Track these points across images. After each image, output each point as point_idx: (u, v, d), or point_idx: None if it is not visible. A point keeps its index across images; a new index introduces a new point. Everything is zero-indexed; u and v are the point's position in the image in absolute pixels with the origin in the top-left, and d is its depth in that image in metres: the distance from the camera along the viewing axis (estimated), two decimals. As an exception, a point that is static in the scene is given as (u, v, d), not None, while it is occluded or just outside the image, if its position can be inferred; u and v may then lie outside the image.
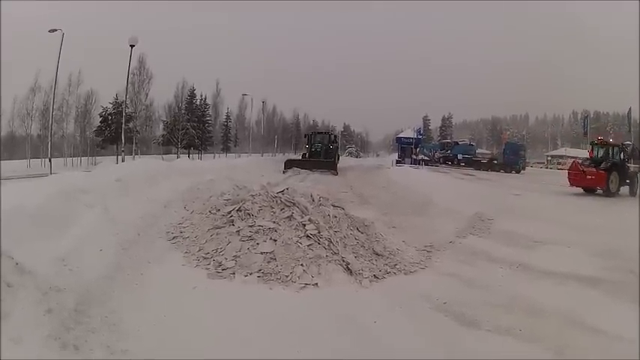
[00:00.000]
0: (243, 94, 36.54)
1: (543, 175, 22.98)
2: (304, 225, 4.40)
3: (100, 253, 3.73)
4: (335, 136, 24.82)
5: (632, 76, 26.73)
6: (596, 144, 13.78)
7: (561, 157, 35.25)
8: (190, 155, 31.15)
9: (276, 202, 4.80)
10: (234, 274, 3.83)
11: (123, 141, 21.30)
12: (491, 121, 44.98)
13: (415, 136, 27.35)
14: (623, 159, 13.18)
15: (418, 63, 54.55)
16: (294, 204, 4.72)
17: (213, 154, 34.33)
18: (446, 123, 43.63)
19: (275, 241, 4.17)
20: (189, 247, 4.38)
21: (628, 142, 15.54)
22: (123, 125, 21.80)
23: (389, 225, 6.19)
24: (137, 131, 29.77)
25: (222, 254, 4.11)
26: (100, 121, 29.83)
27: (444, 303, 3.51)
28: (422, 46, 55.41)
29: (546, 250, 5.26)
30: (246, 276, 3.80)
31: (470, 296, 3.68)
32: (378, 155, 43.36)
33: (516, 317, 3.26)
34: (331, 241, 4.28)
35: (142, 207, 5.32)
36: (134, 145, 28.47)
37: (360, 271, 4.02)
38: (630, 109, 21.16)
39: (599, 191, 12.46)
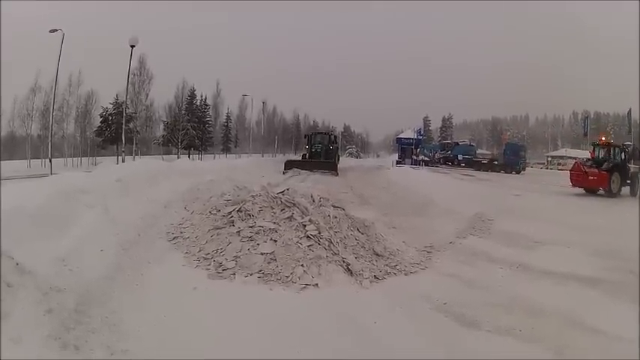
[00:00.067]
0: (244, 95, 36.65)
1: (543, 176, 22.97)
2: (304, 225, 4.40)
3: (101, 254, 3.73)
4: (335, 137, 24.81)
5: (632, 76, 26.73)
6: (598, 144, 13.81)
7: (561, 157, 35.24)
8: (190, 156, 31.15)
9: (277, 202, 4.80)
10: (234, 274, 3.84)
11: (123, 141, 21.26)
12: (492, 121, 45.00)
13: (415, 137, 27.36)
14: (624, 159, 13.21)
15: (418, 63, 54.67)
16: (294, 204, 4.73)
17: (213, 155, 34.34)
18: (446, 123, 43.64)
19: (275, 241, 4.17)
20: (190, 248, 4.38)
21: (628, 143, 15.57)
22: (123, 126, 21.76)
23: (389, 225, 6.19)
24: (137, 132, 29.74)
25: (223, 255, 4.11)
26: (101, 122, 29.84)
27: (444, 303, 3.51)
28: (422, 46, 55.44)
29: (546, 251, 5.26)
30: (246, 276, 3.80)
31: (470, 297, 3.68)
32: (378, 156, 43.36)
33: (516, 317, 3.26)
34: (331, 242, 4.28)
35: (143, 207, 5.33)
36: (134, 145, 28.42)
37: (361, 272, 4.02)
38: (630, 109, 21.21)
39: (601, 192, 12.48)
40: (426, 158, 28.63)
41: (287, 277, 3.78)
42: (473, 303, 3.51)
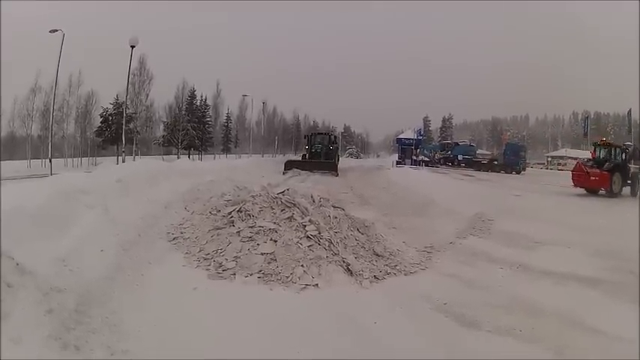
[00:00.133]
0: (244, 95, 36.68)
1: (544, 176, 22.96)
2: (305, 226, 4.40)
3: (101, 254, 3.73)
4: (335, 137, 24.82)
5: (632, 76, 26.76)
6: (599, 145, 13.83)
7: (562, 157, 35.26)
8: (191, 156, 31.18)
9: (277, 202, 4.80)
10: (234, 274, 3.84)
11: (123, 142, 21.28)
12: (492, 121, 45.06)
13: (415, 137, 27.36)
14: (625, 160, 13.23)
15: (418, 63, 54.80)
16: (294, 205, 4.73)
17: (213, 155, 34.33)
18: (446, 124, 43.69)
19: (275, 241, 4.18)
20: (190, 248, 4.38)
21: (629, 143, 15.60)
22: (123, 126, 21.80)
23: (389, 226, 6.19)
24: (137, 132, 29.74)
25: (223, 255, 4.11)
26: (101, 122, 29.86)
27: (445, 303, 3.51)
28: (422, 46, 55.58)
29: (546, 251, 5.25)
30: (246, 277, 3.80)
31: (470, 297, 3.68)
32: (378, 156, 43.43)
33: (516, 318, 3.26)
34: (332, 242, 4.28)
35: (143, 208, 5.33)
36: (134, 145, 28.42)
37: (361, 272, 4.02)
38: (630, 109, 21.24)
39: (602, 192, 12.49)
40: (426, 158, 28.65)
41: (287, 277, 3.78)
42: (473, 303, 3.51)
